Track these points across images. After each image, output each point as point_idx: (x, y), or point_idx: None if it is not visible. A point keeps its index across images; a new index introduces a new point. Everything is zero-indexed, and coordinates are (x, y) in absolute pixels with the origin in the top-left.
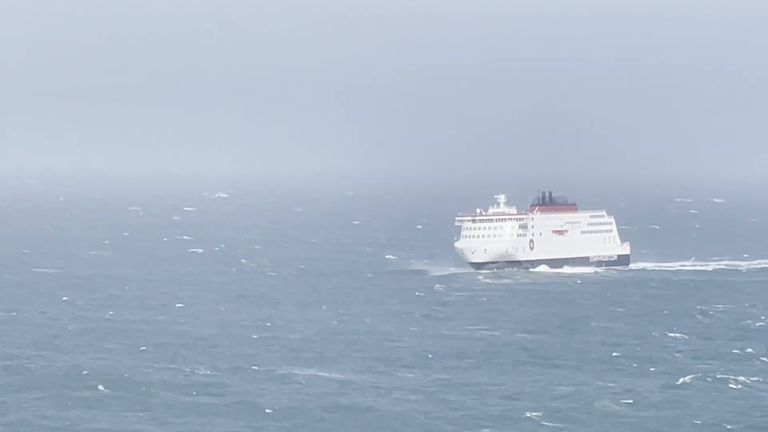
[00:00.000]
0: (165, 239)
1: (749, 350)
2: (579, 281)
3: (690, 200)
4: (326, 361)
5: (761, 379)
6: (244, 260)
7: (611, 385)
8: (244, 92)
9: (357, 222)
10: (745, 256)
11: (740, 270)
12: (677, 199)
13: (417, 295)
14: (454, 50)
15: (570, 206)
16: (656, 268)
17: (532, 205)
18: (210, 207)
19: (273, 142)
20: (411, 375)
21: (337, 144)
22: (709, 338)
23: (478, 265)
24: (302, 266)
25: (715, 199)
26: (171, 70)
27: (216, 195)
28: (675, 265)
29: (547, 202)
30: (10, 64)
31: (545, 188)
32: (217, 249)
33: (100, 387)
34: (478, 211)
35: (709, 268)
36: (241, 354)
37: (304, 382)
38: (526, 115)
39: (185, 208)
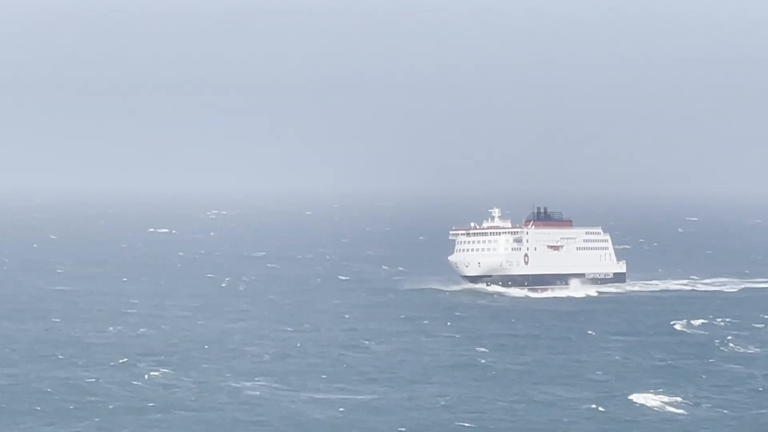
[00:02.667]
0: (155, 252)
1: (707, 370)
2: (561, 301)
3: (696, 218)
4: (287, 376)
5: (705, 403)
6: (244, 277)
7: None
8: (227, 105)
9: (349, 238)
10: (747, 272)
11: (734, 289)
12: (688, 218)
13: (398, 310)
14: (449, 64)
15: (565, 222)
16: (651, 287)
17: (527, 221)
18: (210, 224)
19: (257, 160)
20: (369, 390)
21: (336, 160)
22: (672, 358)
23: (472, 279)
24: (295, 282)
25: (732, 218)
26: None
27: (216, 212)
28: (673, 284)
29: (542, 218)
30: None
31: (541, 204)
32: (214, 265)
33: (59, 399)
34: (472, 224)
35: (711, 288)
36: (200, 367)
37: (260, 395)
38: (527, 132)
39: (168, 230)
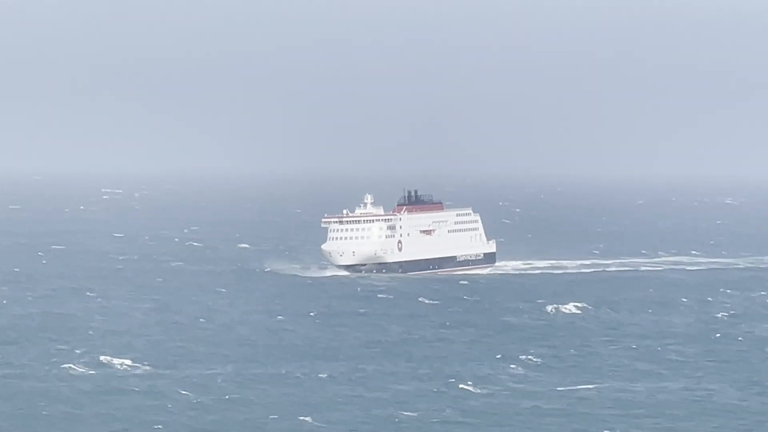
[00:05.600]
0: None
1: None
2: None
3: (590, 201)
4: (126, 352)
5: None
6: (121, 257)
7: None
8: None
9: (218, 219)
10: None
11: (612, 270)
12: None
13: (256, 293)
14: (331, 48)
15: (436, 205)
16: (519, 268)
17: (399, 205)
18: (102, 204)
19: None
20: (196, 368)
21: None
22: (500, 339)
23: (347, 268)
24: (166, 262)
25: (639, 201)
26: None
27: (110, 191)
28: (540, 264)
29: (414, 201)
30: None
31: (411, 187)
32: (93, 245)
33: None
34: (344, 212)
35: (587, 270)
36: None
37: (87, 371)
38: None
39: (81, 207)
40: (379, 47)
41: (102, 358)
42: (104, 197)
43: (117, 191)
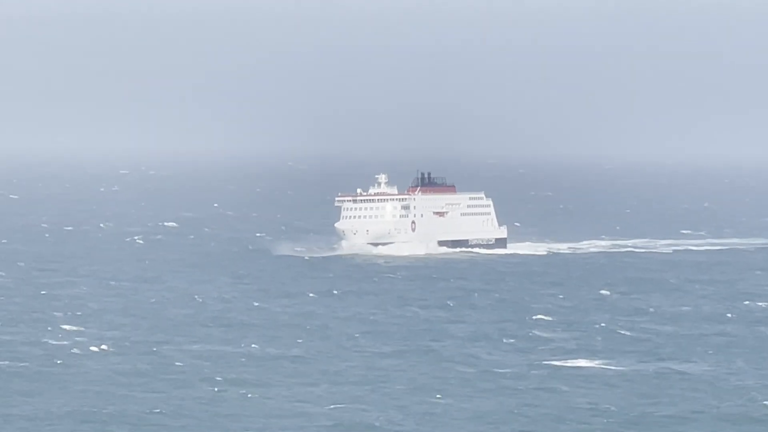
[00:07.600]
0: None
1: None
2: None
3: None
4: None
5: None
6: (136, 238)
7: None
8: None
9: (230, 201)
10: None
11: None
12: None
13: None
14: (343, 31)
15: (449, 187)
16: (535, 250)
17: (412, 186)
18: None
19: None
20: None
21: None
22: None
23: (360, 247)
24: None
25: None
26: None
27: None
28: (558, 247)
29: (426, 183)
30: None
31: (425, 168)
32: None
33: None
34: (358, 191)
35: (590, 250)
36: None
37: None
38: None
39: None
40: (391, 33)
41: (94, 338)
42: (122, 178)
43: (130, 173)
